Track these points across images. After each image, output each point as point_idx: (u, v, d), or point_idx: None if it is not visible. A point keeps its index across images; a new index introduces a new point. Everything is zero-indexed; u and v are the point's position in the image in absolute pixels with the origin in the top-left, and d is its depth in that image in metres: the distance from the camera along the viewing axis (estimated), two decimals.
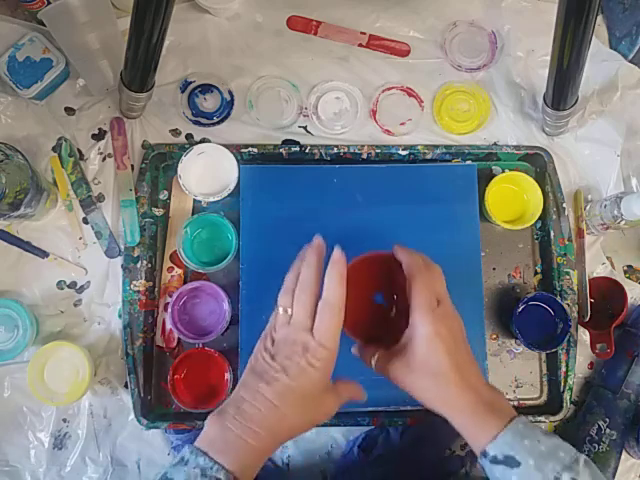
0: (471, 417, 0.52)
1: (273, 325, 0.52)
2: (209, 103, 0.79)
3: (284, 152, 0.76)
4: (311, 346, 0.49)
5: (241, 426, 0.48)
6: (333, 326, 0.50)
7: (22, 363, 0.72)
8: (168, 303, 0.72)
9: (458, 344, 0.54)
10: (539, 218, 0.75)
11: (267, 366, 0.50)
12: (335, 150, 0.76)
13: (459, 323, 0.55)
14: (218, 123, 0.79)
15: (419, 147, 0.76)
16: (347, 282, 0.53)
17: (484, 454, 0.51)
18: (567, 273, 0.74)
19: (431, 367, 0.52)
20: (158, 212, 0.76)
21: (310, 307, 0.51)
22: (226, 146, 0.73)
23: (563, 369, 0.73)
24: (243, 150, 0.75)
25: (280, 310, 0.52)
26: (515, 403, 0.74)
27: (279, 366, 0.50)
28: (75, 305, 0.75)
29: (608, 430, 0.71)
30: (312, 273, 0.52)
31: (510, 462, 0.49)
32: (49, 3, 0.74)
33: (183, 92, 0.79)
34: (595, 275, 0.77)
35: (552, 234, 0.75)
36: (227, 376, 0.70)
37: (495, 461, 0.50)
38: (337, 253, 0.52)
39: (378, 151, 0.76)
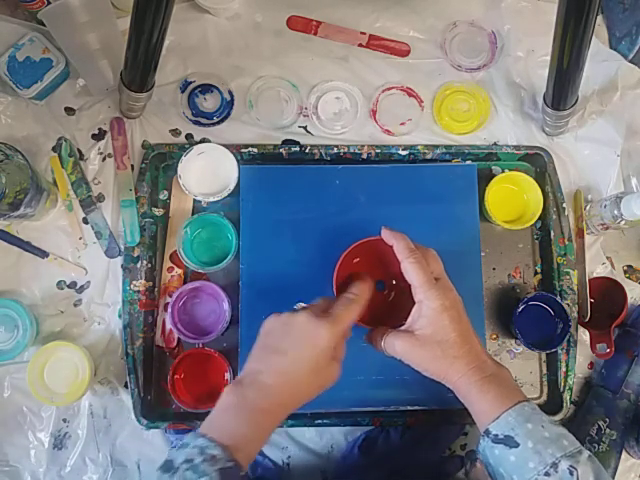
0: (476, 386, 0.54)
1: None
2: (209, 103, 0.79)
3: (284, 152, 0.76)
4: (326, 317, 0.54)
5: (259, 394, 0.52)
6: (346, 307, 0.56)
7: (22, 363, 0.72)
8: (168, 303, 0.72)
9: (461, 315, 0.57)
10: (539, 218, 0.75)
11: (281, 340, 0.55)
12: (335, 150, 0.76)
13: (458, 297, 0.58)
14: (218, 123, 0.79)
15: (419, 147, 0.76)
16: (347, 272, 0.61)
17: (487, 433, 0.53)
18: (567, 273, 0.74)
19: (440, 337, 0.55)
20: (158, 212, 0.76)
21: (325, 307, 0.57)
22: (226, 146, 0.73)
23: (563, 369, 0.73)
24: (243, 150, 0.75)
25: (300, 304, 0.58)
26: None
27: (294, 339, 0.54)
28: (75, 305, 0.75)
29: (608, 430, 0.71)
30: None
31: (509, 442, 0.51)
32: (49, 3, 0.74)
33: (183, 92, 0.79)
34: (595, 275, 0.77)
35: (552, 234, 0.75)
36: (227, 376, 0.70)
37: (496, 440, 0.52)
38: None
39: (378, 151, 0.76)
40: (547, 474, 0.49)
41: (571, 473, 0.48)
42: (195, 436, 0.50)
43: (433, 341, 0.55)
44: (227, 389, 0.53)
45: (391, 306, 0.66)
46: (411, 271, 0.56)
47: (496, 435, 0.52)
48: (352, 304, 0.57)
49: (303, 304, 0.58)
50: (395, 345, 0.57)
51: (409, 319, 0.58)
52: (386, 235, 0.59)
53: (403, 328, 0.58)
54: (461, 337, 0.55)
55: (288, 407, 0.54)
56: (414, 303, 0.57)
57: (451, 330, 0.55)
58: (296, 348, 0.53)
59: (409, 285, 0.57)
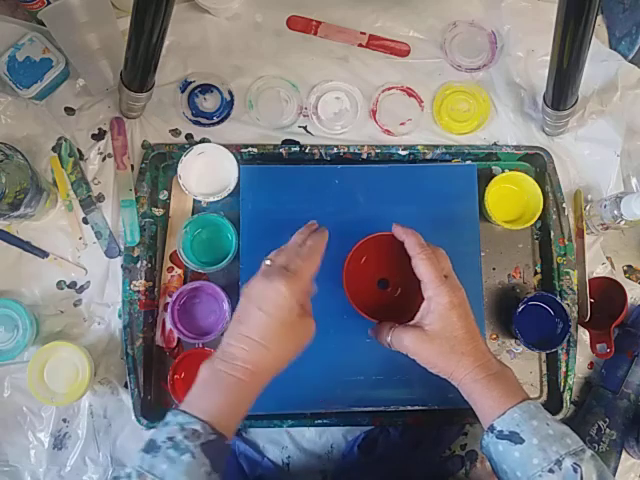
0: (482, 383, 0.55)
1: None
2: (209, 103, 0.79)
3: (284, 152, 0.76)
4: (283, 274, 0.53)
5: (230, 365, 0.52)
6: (303, 261, 0.55)
7: (22, 363, 0.72)
8: (168, 303, 0.72)
9: (468, 313, 0.57)
10: (539, 218, 0.75)
11: (244, 310, 0.54)
12: (335, 150, 0.76)
13: (465, 295, 0.58)
14: (218, 123, 0.79)
15: (419, 147, 0.76)
16: (355, 267, 0.62)
17: (491, 428, 0.53)
18: (567, 273, 0.74)
19: (448, 333, 0.56)
20: (158, 212, 0.76)
21: (286, 261, 0.56)
22: (226, 146, 0.73)
23: (563, 369, 0.73)
24: (243, 150, 0.75)
25: (267, 262, 0.57)
26: None
27: (255, 305, 0.53)
28: (75, 305, 0.75)
29: (608, 430, 0.71)
30: (302, 240, 0.59)
31: (514, 438, 0.51)
32: (49, 3, 0.74)
33: (183, 92, 0.79)
34: (595, 275, 0.77)
35: (552, 234, 0.75)
36: None
37: (500, 436, 0.52)
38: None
39: (378, 151, 0.76)
40: (551, 471, 0.49)
41: (575, 470, 0.48)
42: (175, 413, 0.51)
43: (442, 337, 0.56)
44: (202, 366, 0.54)
45: (397, 302, 0.66)
46: (422, 267, 0.57)
47: (501, 431, 0.52)
48: (309, 257, 0.56)
49: (268, 262, 0.57)
50: (404, 339, 0.58)
51: (418, 315, 0.58)
52: (397, 231, 0.59)
53: (411, 323, 0.59)
54: (468, 334, 0.56)
55: (263, 373, 0.53)
56: (421, 299, 0.58)
57: (459, 327, 0.56)
58: (259, 314, 0.52)
59: (417, 281, 0.58)
